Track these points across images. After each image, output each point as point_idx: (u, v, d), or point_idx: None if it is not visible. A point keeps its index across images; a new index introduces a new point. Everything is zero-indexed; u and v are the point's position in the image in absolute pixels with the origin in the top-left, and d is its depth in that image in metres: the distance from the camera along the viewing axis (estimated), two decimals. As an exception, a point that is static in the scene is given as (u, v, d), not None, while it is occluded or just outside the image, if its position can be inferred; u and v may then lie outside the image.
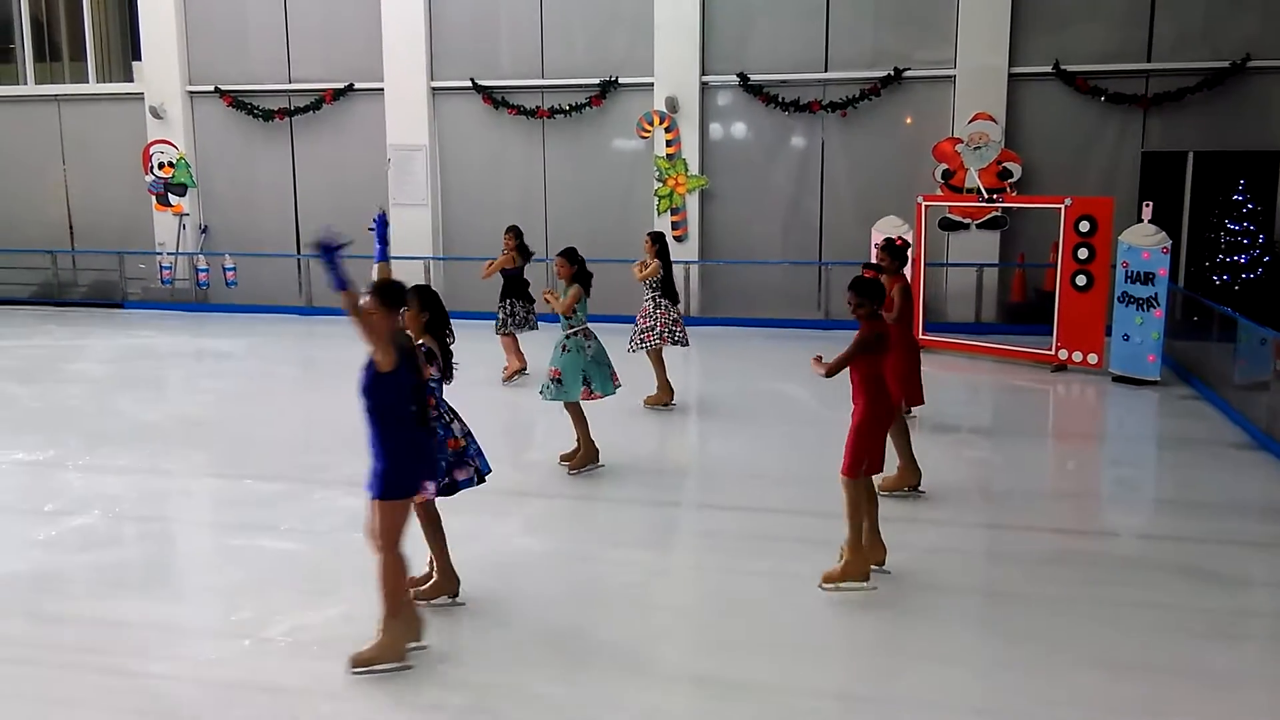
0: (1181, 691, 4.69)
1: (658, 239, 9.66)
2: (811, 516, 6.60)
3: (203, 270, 16.06)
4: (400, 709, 4.51)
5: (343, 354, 12.82)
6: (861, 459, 5.54)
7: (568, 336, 7.57)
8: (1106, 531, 6.92)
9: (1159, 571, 6.00)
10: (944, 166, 13.76)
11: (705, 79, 14.59)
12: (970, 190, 13.21)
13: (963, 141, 13.45)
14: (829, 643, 5.18)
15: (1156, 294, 10.34)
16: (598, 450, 7.68)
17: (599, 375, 7.62)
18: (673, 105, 14.48)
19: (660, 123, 14.60)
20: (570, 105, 14.96)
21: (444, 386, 5.34)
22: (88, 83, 17.04)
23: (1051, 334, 11.18)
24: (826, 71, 14.31)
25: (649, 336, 9.52)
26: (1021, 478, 7.90)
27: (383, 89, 15.51)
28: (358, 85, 15.66)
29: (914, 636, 5.23)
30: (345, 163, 15.99)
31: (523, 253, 10.76)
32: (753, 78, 14.38)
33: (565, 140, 15.29)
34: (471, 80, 15.22)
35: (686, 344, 9.76)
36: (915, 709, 4.53)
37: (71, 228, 17.24)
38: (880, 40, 14.20)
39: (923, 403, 7.99)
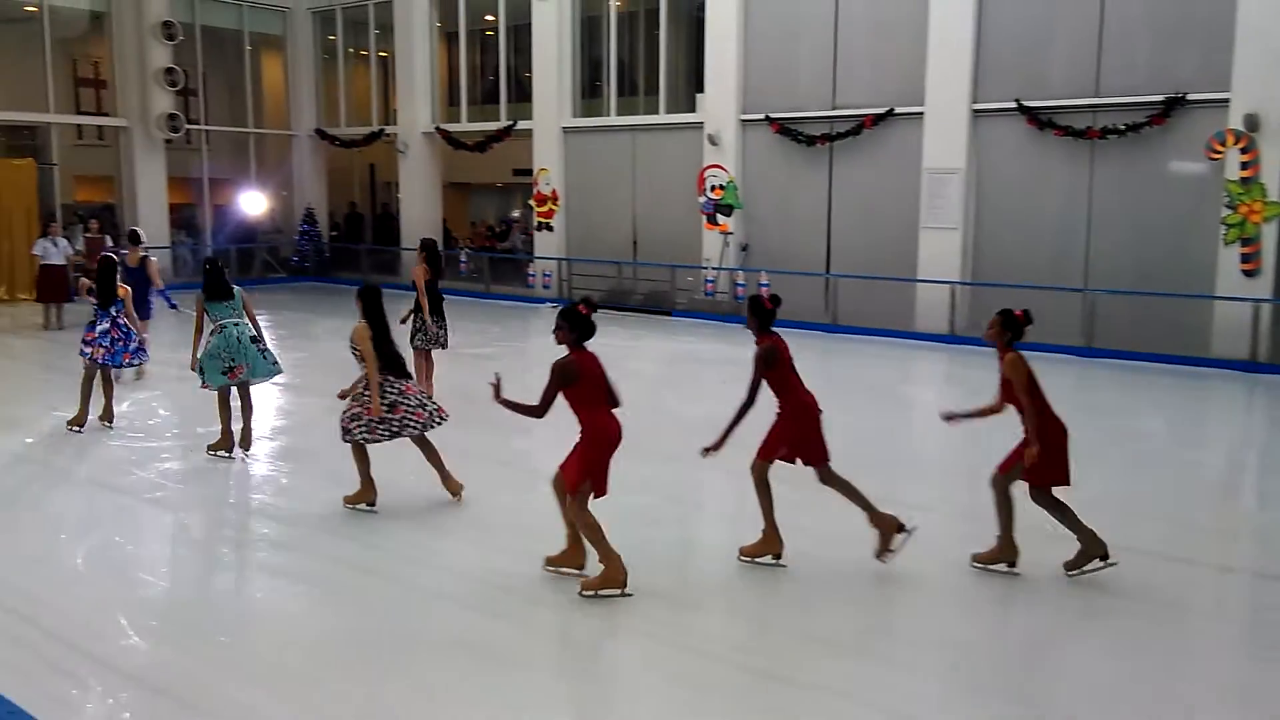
0: None
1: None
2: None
3: (740, 285, 17.27)
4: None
5: (863, 373, 13.13)
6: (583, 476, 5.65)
7: None
8: None
9: None
10: None
11: (1299, 92, 12.69)
12: None
13: None
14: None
15: None
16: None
17: None
18: (1252, 123, 12.78)
19: (1235, 143, 12.96)
20: (1126, 125, 13.83)
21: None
22: (658, 114, 19.14)
23: None
24: None
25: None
26: None
27: (923, 113, 15.54)
28: (898, 110, 15.85)
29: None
30: (878, 186, 16.26)
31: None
32: (1363, 88, 12.23)
33: (1117, 162, 14.17)
34: (1016, 101, 14.69)
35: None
36: None
37: (635, 241, 19.48)
38: None
39: (828, 460, 6.15)
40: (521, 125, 20.74)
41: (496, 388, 5.71)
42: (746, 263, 17.58)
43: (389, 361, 6.98)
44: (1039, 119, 14.54)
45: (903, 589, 5.96)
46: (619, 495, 7.42)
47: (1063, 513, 5.92)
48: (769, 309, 6.18)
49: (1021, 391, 5.75)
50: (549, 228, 20.52)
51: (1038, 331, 6.08)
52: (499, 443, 8.71)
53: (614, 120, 19.77)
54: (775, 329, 6.28)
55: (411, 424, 6.98)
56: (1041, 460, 5.72)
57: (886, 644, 5.41)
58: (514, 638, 5.29)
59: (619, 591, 5.64)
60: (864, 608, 5.82)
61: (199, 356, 8.30)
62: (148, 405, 10.44)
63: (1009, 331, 5.89)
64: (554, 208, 20.40)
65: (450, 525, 6.91)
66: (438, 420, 7.11)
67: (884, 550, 6.03)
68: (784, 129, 17.02)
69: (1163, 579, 6.17)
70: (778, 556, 6.16)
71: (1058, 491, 5.88)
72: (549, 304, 19.55)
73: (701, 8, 17.97)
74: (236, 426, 8.42)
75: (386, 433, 6.94)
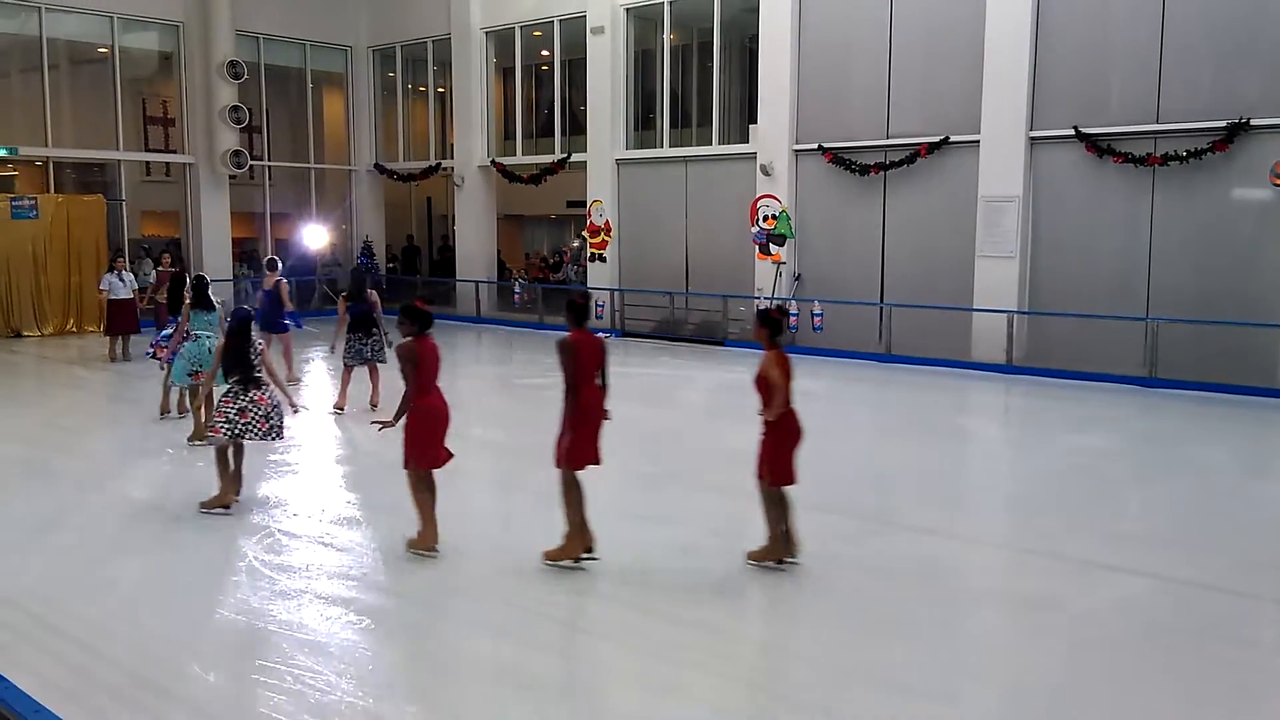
0: None
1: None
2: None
3: (793, 315, 17.20)
4: None
5: (917, 399, 12.99)
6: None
7: None
8: None
9: None
10: None
11: (1367, 115, 12.40)
12: None
13: None
14: None
15: None
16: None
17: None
18: (1319, 147, 12.52)
19: (1302, 168, 12.69)
20: (1188, 151, 13.60)
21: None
22: (710, 145, 19.22)
23: None
24: None
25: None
26: None
27: (978, 141, 15.42)
28: (953, 138, 15.75)
29: None
30: (933, 215, 16.14)
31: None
32: None
33: (1178, 189, 13.93)
34: (1074, 128, 14.52)
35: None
36: None
37: (687, 271, 19.53)
38: None
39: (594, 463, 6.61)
40: (576, 158, 20.96)
41: (384, 424, 6.69)
42: (800, 292, 17.53)
43: (243, 374, 7.76)
44: (1098, 146, 14.35)
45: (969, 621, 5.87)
46: (659, 526, 7.44)
47: (781, 510, 6.38)
48: (580, 304, 6.79)
49: (777, 381, 6.26)
50: (602, 259, 20.64)
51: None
52: (542, 475, 8.75)
53: (667, 152, 19.89)
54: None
55: (253, 431, 7.73)
56: (779, 458, 6.30)
57: (955, 681, 5.33)
58: (562, 667, 5.30)
59: (430, 551, 6.57)
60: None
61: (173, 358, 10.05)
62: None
63: (767, 329, 6.43)
64: (607, 239, 20.53)
65: (514, 562, 6.95)
66: (274, 436, 7.89)
67: (555, 558, 6.46)
68: (837, 158, 16.98)
69: (1227, 613, 6.01)
70: (576, 560, 6.46)
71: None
72: (600, 334, 19.63)
73: (754, 39, 18.06)
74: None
75: (229, 433, 7.68)
